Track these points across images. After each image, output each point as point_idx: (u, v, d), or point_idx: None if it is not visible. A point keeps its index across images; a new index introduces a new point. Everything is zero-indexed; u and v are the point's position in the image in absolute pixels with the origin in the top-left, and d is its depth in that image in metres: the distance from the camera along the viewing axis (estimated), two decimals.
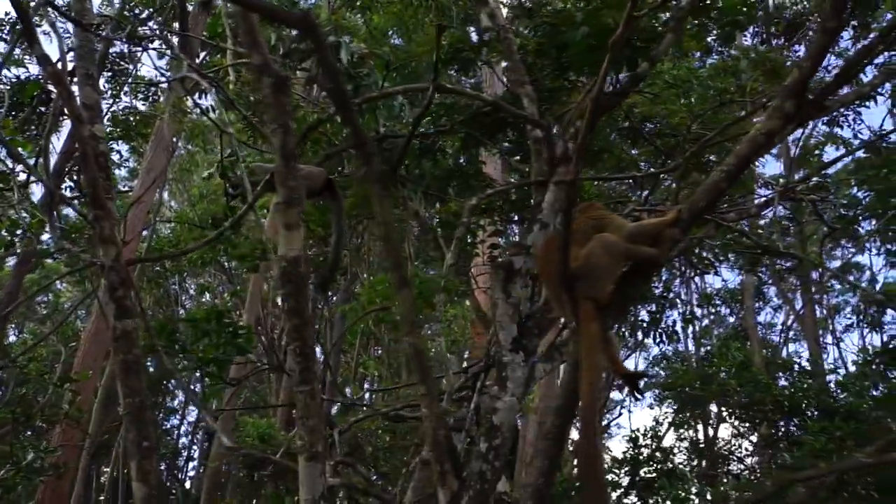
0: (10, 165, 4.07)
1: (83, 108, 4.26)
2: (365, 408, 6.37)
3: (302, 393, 3.51)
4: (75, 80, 4.43)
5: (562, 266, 3.05)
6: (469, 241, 7.05)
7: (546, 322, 4.85)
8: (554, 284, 3.16)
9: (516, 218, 6.36)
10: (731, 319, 21.11)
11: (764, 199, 5.93)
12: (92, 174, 3.87)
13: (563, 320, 3.99)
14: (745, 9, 4.73)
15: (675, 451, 9.14)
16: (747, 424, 9.09)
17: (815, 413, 7.27)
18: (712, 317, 20.72)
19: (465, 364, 6.74)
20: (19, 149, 4.41)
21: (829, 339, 20.52)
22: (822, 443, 6.72)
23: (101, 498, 18.56)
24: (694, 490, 7.99)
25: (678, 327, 15.58)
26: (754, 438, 9.44)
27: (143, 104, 16.08)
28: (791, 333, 20.62)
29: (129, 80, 14.64)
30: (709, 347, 16.48)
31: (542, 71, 5.74)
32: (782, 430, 8.10)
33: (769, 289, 21.20)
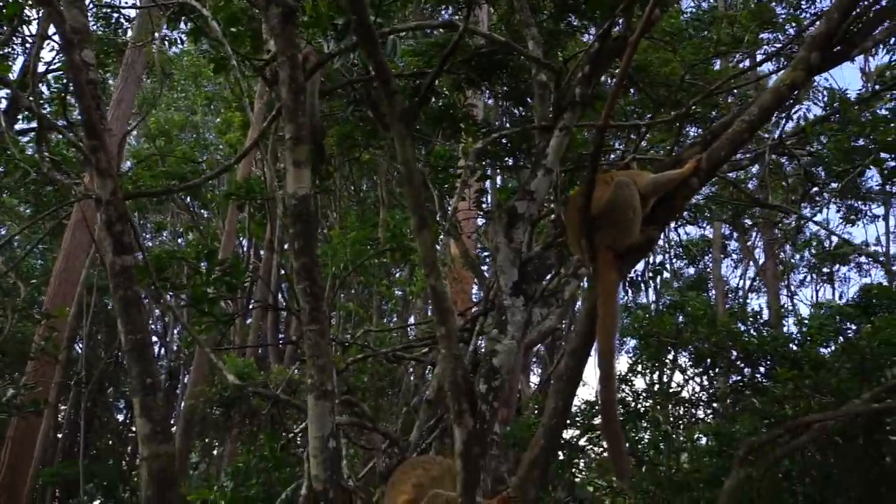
0: None
1: (72, 31, 4.03)
2: (362, 347, 6.36)
3: (311, 332, 3.47)
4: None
5: (583, 213, 3.05)
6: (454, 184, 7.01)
7: (545, 267, 4.90)
8: (575, 230, 3.16)
9: (510, 162, 6.32)
10: (691, 271, 21.69)
11: (754, 152, 5.99)
12: (87, 102, 3.69)
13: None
14: None
15: (643, 396, 9.46)
16: (712, 373, 9.44)
17: (782, 362, 7.59)
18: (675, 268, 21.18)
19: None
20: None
21: (785, 292, 21.26)
22: (790, 390, 7.03)
23: (59, 435, 18.30)
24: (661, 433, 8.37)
25: (646, 278, 15.92)
26: (716, 385, 9.85)
27: (101, 31, 15.28)
28: (748, 286, 21.27)
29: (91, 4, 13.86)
30: (669, 299, 16.80)
31: (543, 13, 5.64)
32: (747, 378, 8.45)
33: (730, 242, 21.79)
